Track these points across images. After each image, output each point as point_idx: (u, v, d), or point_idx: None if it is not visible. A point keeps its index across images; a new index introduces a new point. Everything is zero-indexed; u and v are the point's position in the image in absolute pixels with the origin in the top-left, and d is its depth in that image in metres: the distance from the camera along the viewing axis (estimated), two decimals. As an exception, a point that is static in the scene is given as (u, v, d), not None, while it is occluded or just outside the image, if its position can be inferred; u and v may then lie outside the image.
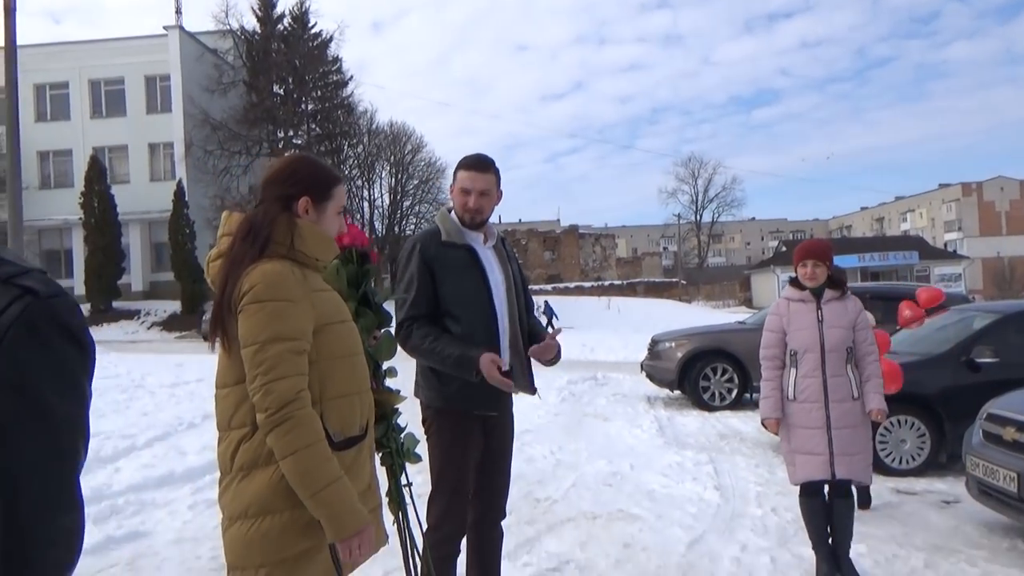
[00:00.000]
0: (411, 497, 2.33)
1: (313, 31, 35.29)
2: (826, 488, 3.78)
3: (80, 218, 29.92)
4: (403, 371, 2.62)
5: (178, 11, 36.40)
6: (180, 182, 29.76)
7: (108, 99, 33.30)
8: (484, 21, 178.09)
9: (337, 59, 36.19)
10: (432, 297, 2.72)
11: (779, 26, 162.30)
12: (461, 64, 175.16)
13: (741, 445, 7.02)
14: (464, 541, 2.82)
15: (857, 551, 3.95)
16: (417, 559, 2.39)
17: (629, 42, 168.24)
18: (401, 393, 2.37)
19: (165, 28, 32.70)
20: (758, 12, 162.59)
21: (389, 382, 2.34)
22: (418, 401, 2.82)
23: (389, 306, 2.53)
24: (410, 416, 2.62)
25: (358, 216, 38.91)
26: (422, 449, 2.51)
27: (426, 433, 2.79)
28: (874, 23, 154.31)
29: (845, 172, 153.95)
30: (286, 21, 34.90)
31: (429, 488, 2.74)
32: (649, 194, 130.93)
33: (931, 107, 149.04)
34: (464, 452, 2.71)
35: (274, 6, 34.31)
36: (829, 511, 3.77)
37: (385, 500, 2.22)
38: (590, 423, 8.18)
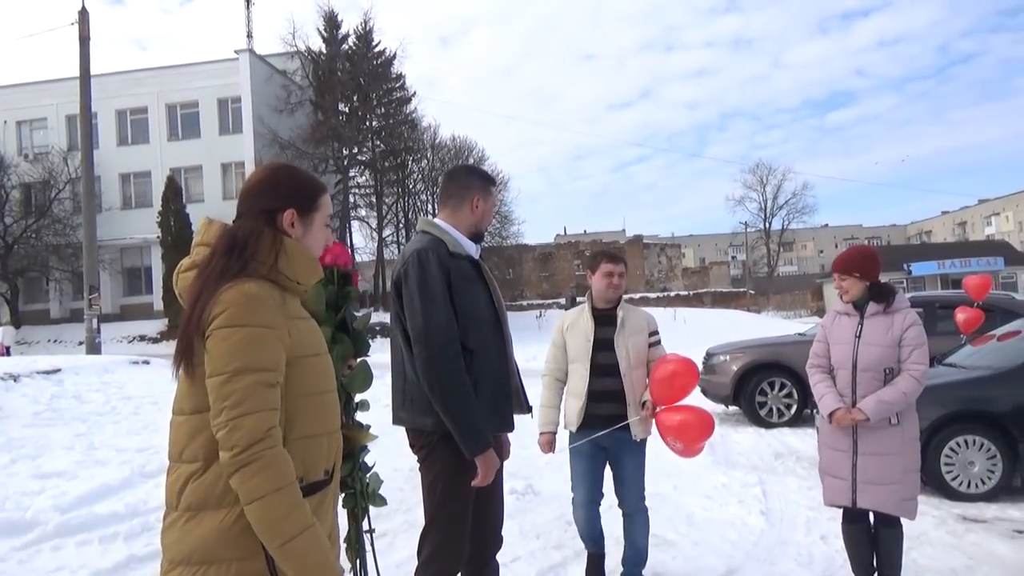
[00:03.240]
0: (371, 544, 2.11)
1: (377, 49, 36.07)
2: (871, 515, 3.49)
3: (158, 236, 31.26)
4: (374, 399, 2.48)
5: (249, 35, 37.77)
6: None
7: (184, 122, 34.76)
8: (550, 32, 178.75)
9: (400, 76, 36.90)
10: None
11: (855, 25, 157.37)
12: (527, 75, 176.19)
13: (796, 465, 6.64)
14: None
15: (909, 586, 3.63)
16: None
17: (697, 47, 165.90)
18: (371, 430, 2.18)
19: (236, 52, 33.93)
20: (832, 11, 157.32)
21: (360, 416, 2.13)
22: (398, 431, 2.64)
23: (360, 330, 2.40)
24: (376, 453, 2.47)
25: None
26: (388, 490, 2.31)
27: (424, 461, 2.61)
28: (956, 17, 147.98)
29: (924, 175, 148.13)
30: (351, 40, 35.80)
31: (392, 526, 2.59)
32: (717, 202, 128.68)
33: (1018, 104, 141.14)
34: (469, 480, 2.52)
35: (339, 26, 35.24)
36: (875, 540, 3.48)
37: (343, 547, 2.07)
38: (638, 440, 7.90)
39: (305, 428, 1.63)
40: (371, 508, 2.09)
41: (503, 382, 2.68)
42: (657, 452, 7.08)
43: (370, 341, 2.11)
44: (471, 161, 35.88)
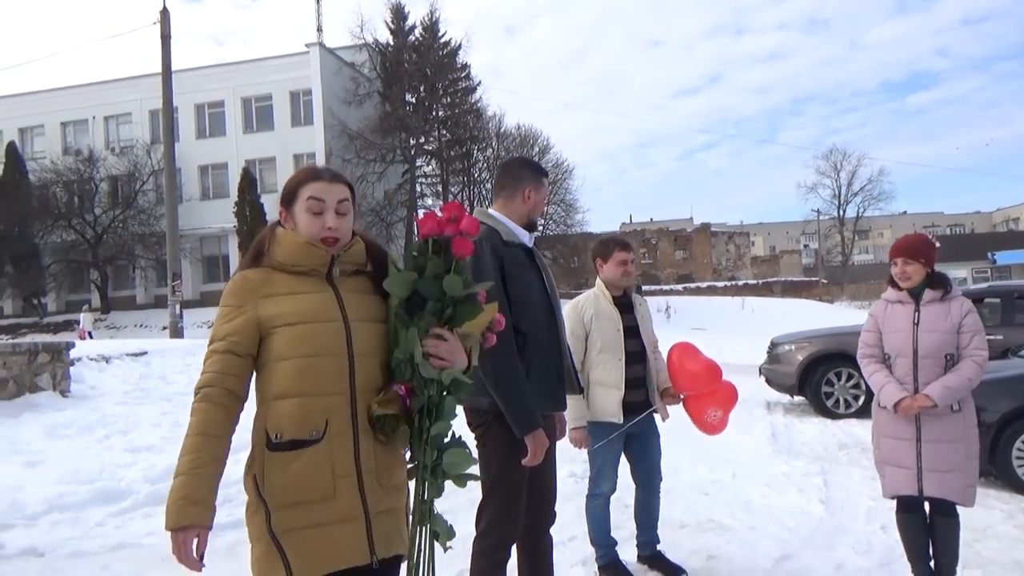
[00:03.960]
0: (422, 516, 1.90)
1: (443, 40, 36.44)
2: (927, 504, 3.48)
3: (234, 226, 32.49)
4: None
5: (319, 29, 38.70)
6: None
7: (258, 115, 35.92)
8: (616, 18, 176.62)
9: (466, 66, 37.20)
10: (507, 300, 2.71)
11: (937, 2, 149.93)
12: (593, 63, 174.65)
13: (861, 456, 6.56)
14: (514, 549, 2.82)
15: (970, 577, 3.61)
16: None
17: (769, 30, 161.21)
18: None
19: (307, 46, 34.81)
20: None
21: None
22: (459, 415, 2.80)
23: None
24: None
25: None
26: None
27: (480, 439, 2.78)
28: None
29: (1011, 159, 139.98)
30: (417, 32, 36.26)
31: (455, 504, 2.72)
32: (789, 190, 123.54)
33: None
34: (522, 457, 2.65)
35: (406, 18, 35.73)
36: (931, 529, 3.48)
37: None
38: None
39: (277, 389, 1.80)
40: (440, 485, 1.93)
41: (555, 364, 2.81)
42: (717, 441, 7.12)
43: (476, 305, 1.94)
44: (535, 150, 35.96)
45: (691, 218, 71.79)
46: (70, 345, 9.81)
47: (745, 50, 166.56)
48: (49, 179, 34.10)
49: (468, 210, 2.10)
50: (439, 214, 1.93)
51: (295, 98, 35.15)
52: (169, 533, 1.70)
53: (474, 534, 2.77)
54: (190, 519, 1.69)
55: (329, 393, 1.80)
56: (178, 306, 18.81)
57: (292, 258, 1.90)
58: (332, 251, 1.90)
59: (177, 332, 18.60)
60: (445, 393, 1.86)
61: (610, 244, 3.83)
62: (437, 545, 1.92)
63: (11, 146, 35.82)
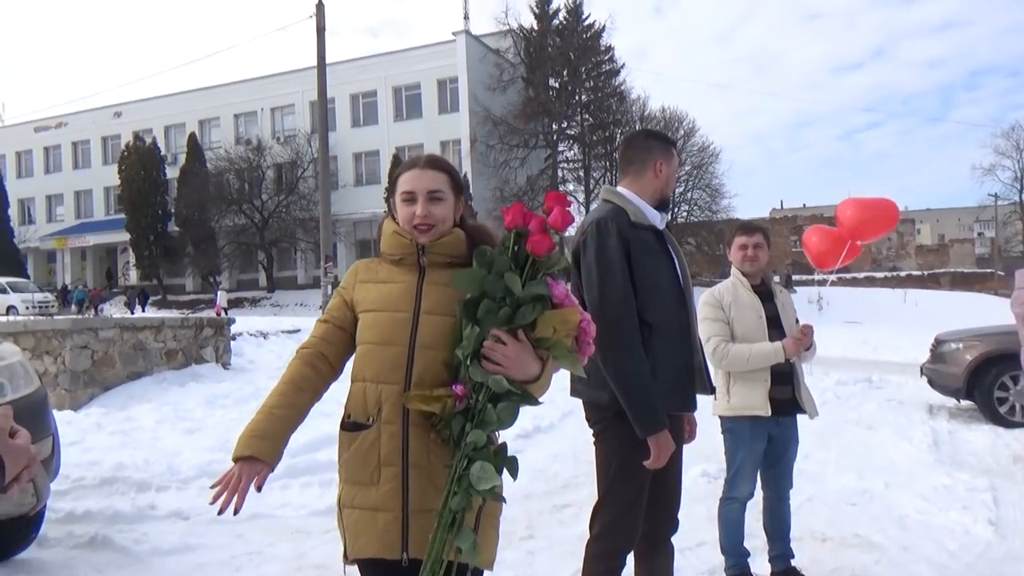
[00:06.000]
0: (439, 529, 1.70)
1: (587, 23, 36.12)
2: None
3: (385, 211, 33.86)
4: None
5: (465, 16, 39.53)
6: (465, 176, 32.32)
7: (407, 103, 37.22)
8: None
9: (609, 48, 36.74)
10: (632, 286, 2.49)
11: None
12: (744, 40, 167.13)
13: (1041, 472, 5.81)
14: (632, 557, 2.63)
15: None
16: None
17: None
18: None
19: (454, 34, 35.59)
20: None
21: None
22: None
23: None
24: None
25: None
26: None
27: (598, 436, 2.60)
28: None
29: None
30: (561, 15, 36.20)
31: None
32: (962, 172, 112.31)
33: None
34: (643, 459, 2.42)
35: (550, 2, 35.68)
36: None
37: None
38: (850, 430, 7.34)
39: (353, 371, 1.89)
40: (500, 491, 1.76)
41: (685, 358, 2.55)
42: (870, 446, 6.57)
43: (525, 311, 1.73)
44: (680, 133, 34.91)
45: (850, 203, 67.19)
46: (231, 321, 10.57)
47: (915, 19, 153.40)
48: (223, 167, 37.10)
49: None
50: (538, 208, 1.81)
51: (442, 86, 36.07)
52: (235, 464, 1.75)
53: (588, 536, 2.62)
54: (253, 450, 1.76)
55: (385, 382, 1.81)
56: (330, 287, 19.89)
57: (387, 247, 1.96)
58: (421, 240, 1.87)
59: (329, 311, 19.71)
60: (493, 401, 1.71)
61: (733, 229, 3.68)
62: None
63: (192, 137, 39.33)
